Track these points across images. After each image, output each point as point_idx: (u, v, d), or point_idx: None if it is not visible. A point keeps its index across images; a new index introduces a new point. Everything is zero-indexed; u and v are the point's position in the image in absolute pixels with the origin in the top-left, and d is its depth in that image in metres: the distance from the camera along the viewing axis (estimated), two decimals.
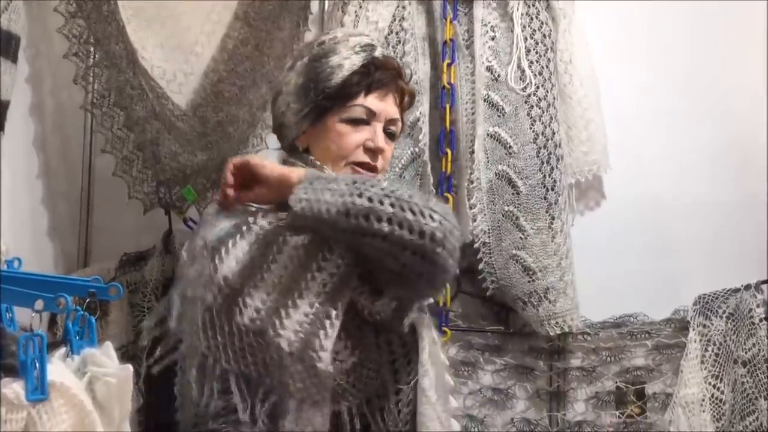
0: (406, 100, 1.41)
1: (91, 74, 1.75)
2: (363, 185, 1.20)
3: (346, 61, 1.34)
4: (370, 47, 1.37)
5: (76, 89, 1.77)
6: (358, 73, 1.34)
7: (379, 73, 1.35)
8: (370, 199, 1.18)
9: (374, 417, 1.26)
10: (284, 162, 1.40)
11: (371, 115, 1.34)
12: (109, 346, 1.04)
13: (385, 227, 1.16)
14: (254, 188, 1.28)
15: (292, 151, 1.40)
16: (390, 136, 1.38)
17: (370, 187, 1.19)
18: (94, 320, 1.09)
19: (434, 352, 1.31)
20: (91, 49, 1.74)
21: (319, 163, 1.34)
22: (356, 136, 1.34)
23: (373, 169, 1.35)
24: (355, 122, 1.34)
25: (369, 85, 1.34)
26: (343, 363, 1.23)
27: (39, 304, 0.99)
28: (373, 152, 1.34)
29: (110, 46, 1.74)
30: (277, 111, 1.41)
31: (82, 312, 1.10)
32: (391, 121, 1.37)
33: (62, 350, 1.08)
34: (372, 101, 1.34)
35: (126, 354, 1.82)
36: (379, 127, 1.35)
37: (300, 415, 1.21)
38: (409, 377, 1.29)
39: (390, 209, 1.17)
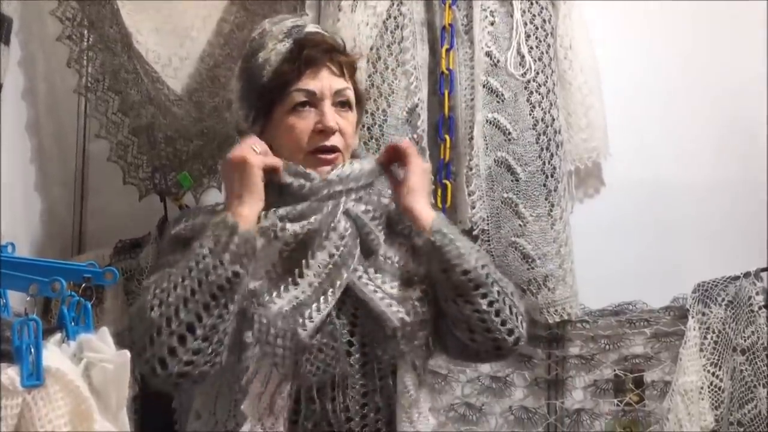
0: (347, 69, 1.36)
1: (85, 58, 1.73)
2: (484, 257, 1.32)
3: (272, 53, 1.31)
4: (296, 29, 1.33)
5: (69, 73, 1.75)
6: (286, 60, 1.31)
7: (307, 51, 1.31)
8: (487, 275, 1.29)
9: (331, 402, 1.26)
10: None
11: (312, 96, 1.31)
12: (105, 332, 1.02)
13: (485, 306, 1.27)
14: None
15: None
16: (343, 105, 1.34)
17: (487, 262, 1.32)
18: (89, 305, 1.07)
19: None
20: (85, 32, 1.73)
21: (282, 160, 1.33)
22: (304, 123, 1.31)
23: (332, 150, 1.32)
24: (299, 108, 1.31)
25: (299, 67, 1.31)
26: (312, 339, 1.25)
27: (33, 288, 0.98)
28: (324, 133, 1.31)
29: (104, 29, 1.72)
30: (234, 119, 1.40)
31: (77, 298, 1.09)
32: (338, 93, 1.33)
33: (57, 336, 1.07)
34: (307, 81, 1.31)
35: (121, 342, 1.80)
36: (326, 105, 1.31)
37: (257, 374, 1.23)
38: (381, 381, 1.29)
39: (496, 295, 1.29)
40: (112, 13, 1.74)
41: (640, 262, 2.06)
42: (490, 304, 1.28)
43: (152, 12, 1.89)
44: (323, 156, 1.32)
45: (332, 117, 1.31)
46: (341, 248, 1.27)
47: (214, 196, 1.91)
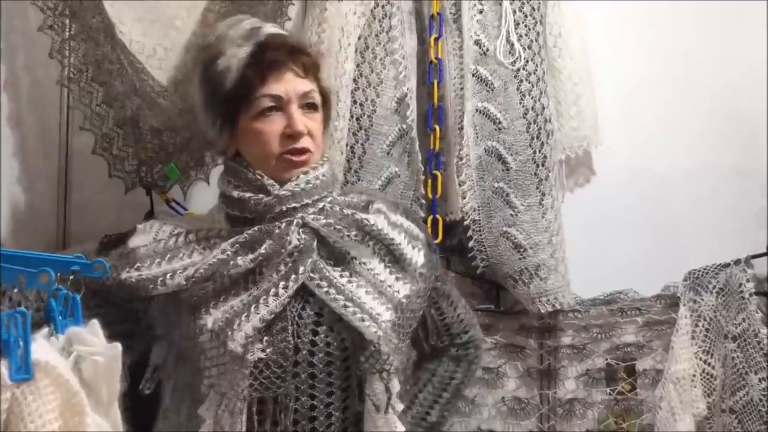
0: (312, 69, 1.35)
1: (67, 48, 1.69)
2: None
3: (234, 59, 1.30)
4: (254, 31, 1.32)
5: (52, 64, 1.70)
6: (248, 65, 1.30)
7: (269, 55, 1.30)
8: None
9: (295, 401, 1.26)
10: (226, 168, 1.39)
11: (278, 100, 1.31)
12: (95, 324, 1.00)
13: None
14: None
15: (226, 158, 1.40)
16: (310, 107, 1.33)
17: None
18: (78, 298, 1.05)
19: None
20: (67, 21, 1.68)
21: (246, 168, 1.34)
22: (273, 128, 1.31)
23: (302, 152, 1.32)
24: (266, 113, 1.31)
25: (262, 72, 1.30)
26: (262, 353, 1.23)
27: (21, 280, 0.95)
28: (293, 137, 1.31)
29: (87, 19, 1.68)
30: (200, 128, 1.40)
31: (65, 291, 1.06)
32: (304, 95, 1.32)
33: (45, 329, 1.04)
34: (272, 86, 1.30)
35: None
36: (293, 108, 1.31)
37: (213, 405, 1.23)
38: (346, 382, 1.29)
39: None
40: (94, 2, 1.70)
41: (630, 251, 2.07)
42: None
43: (135, 2, 1.85)
44: (294, 158, 1.32)
45: (300, 120, 1.31)
46: (289, 264, 1.27)
47: (201, 189, 1.88)
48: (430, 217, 1.93)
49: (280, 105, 1.31)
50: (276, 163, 1.32)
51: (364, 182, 1.91)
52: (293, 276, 1.27)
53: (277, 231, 1.29)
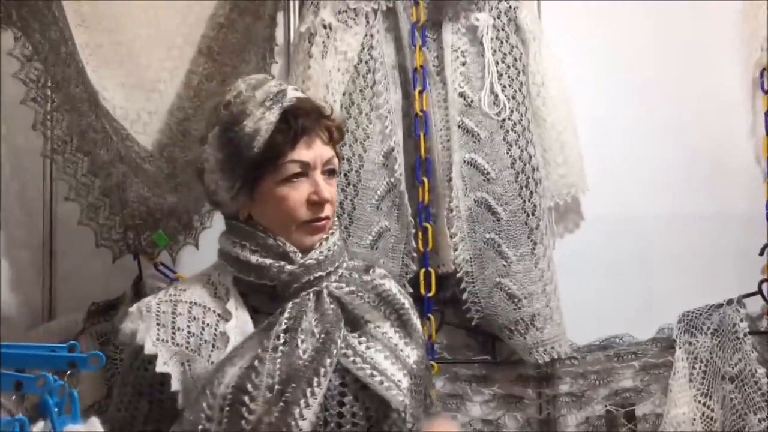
0: (335, 135, 1.34)
1: (50, 120, 1.67)
2: None
3: (262, 122, 1.26)
4: (281, 94, 1.28)
5: (34, 135, 1.68)
6: (279, 130, 1.27)
7: (301, 121, 1.28)
8: None
9: None
10: (234, 229, 1.33)
11: (305, 167, 1.28)
12: (95, 423, 0.97)
13: None
14: None
15: (234, 219, 1.33)
16: (331, 173, 1.32)
17: None
18: (76, 393, 1.01)
19: None
20: (50, 93, 1.66)
21: (264, 232, 1.29)
22: (298, 195, 1.28)
23: (324, 219, 1.30)
24: (292, 179, 1.28)
25: (294, 137, 1.27)
26: None
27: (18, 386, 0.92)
28: (320, 204, 1.29)
29: (70, 89, 1.67)
30: (208, 189, 1.33)
31: (60, 382, 1.03)
32: (328, 161, 1.31)
33: (40, 424, 1.01)
34: (301, 152, 1.28)
35: (99, 411, 1.73)
36: (317, 175, 1.29)
37: None
38: None
39: None
40: (78, 72, 1.68)
41: (624, 294, 2.06)
42: None
43: (116, 67, 1.84)
44: (317, 224, 1.29)
45: (326, 188, 1.29)
46: (323, 336, 1.24)
47: (190, 254, 1.86)
48: (423, 270, 1.92)
49: (306, 171, 1.29)
50: (297, 229, 1.29)
51: (355, 238, 1.89)
52: (334, 350, 1.23)
53: (309, 304, 1.26)
